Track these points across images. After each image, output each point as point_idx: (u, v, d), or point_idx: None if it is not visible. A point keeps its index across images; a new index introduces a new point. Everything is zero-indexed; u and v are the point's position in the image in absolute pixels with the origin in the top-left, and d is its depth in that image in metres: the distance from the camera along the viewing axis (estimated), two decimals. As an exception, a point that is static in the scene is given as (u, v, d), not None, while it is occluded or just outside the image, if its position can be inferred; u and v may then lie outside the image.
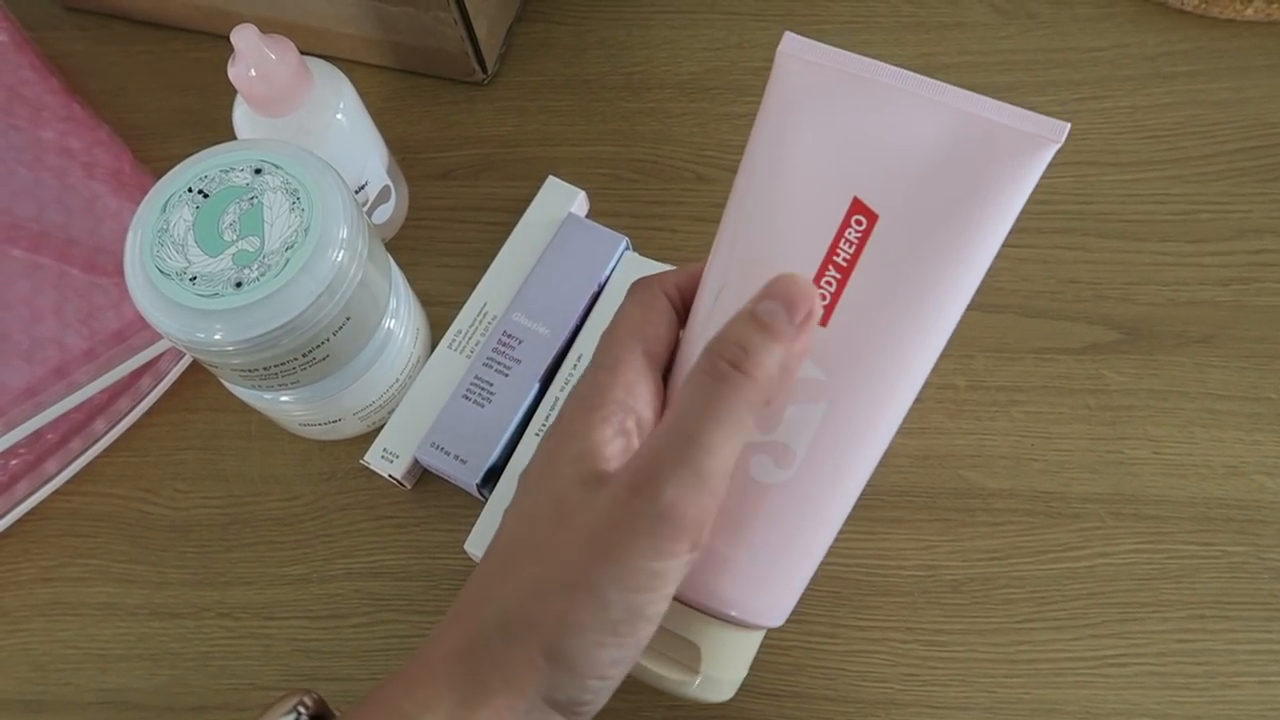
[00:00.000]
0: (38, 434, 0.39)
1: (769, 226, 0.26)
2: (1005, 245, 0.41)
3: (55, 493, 0.40)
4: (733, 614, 0.27)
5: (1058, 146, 0.24)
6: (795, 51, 0.26)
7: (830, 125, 0.26)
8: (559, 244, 0.40)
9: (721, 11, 0.47)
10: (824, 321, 0.26)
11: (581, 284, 0.39)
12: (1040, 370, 0.39)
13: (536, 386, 0.38)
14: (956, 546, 0.37)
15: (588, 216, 0.43)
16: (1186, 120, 0.43)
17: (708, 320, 0.27)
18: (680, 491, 0.23)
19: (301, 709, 0.26)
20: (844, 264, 0.26)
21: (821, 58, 0.26)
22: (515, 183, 0.44)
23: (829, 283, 0.26)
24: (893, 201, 0.25)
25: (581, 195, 0.42)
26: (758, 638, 0.29)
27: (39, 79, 0.44)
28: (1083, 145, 0.43)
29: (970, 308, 0.40)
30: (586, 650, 0.24)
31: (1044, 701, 0.35)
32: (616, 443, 0.25)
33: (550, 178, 0.42)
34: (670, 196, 0.44)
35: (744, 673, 0.29)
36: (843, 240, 0.25)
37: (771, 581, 0.28)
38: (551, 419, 0.34)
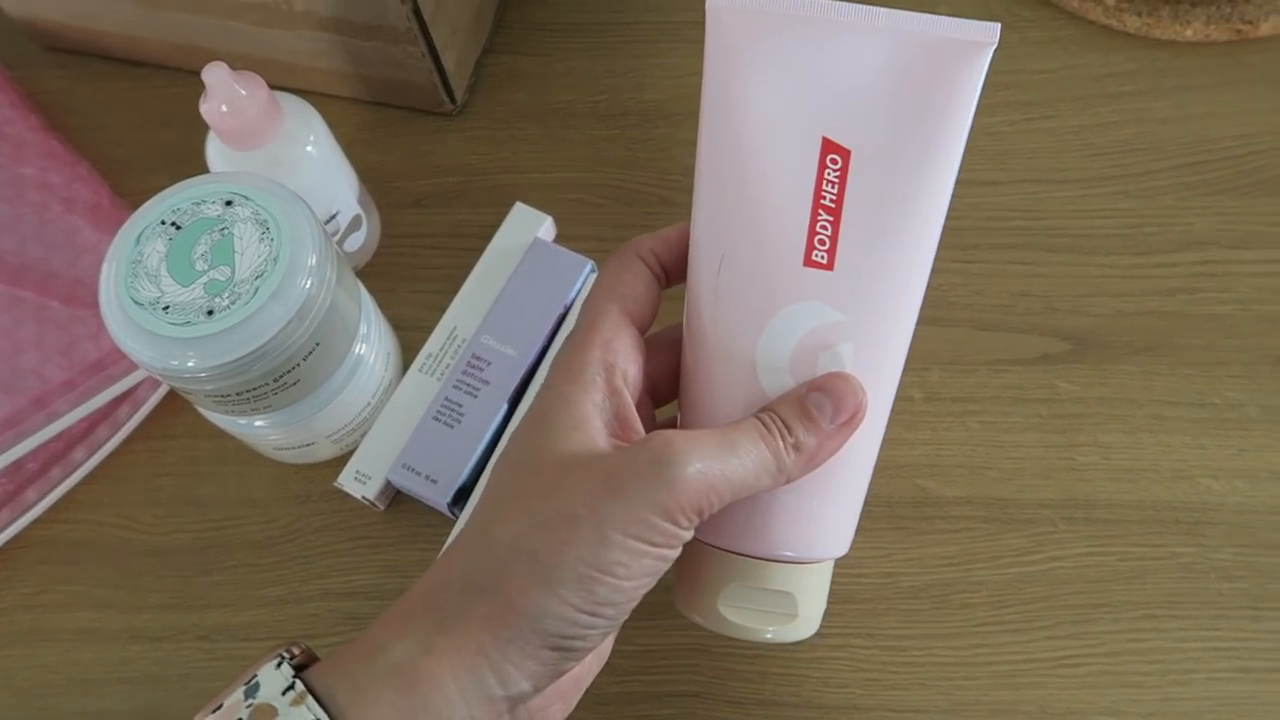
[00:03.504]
0: (18, 463, 0.40)
1: (748, 185, 0.27)
2: (958, 261, 0.43)
3: (35, 521, 0.41)
4: (809, 555, 0.30)
5: (993, 47, 0.25)
6: (726, 4, 0.26)
7: (779, 71, 0.26)
8: (526, 268, 0.41)
9: (684, 40, 0.49)
10: (830, 265, 0.27)
11: (548, 306, 0.41)
12: (994, 381, 0.41)
13: (505, 407, 0.39)
14: (914, 554, 0.38)
15: (555, 241, 0.44)
16: (1131, 138, 0.45)
17: (715, 293, 0.28)
18: (706, 473, 0.25)
19: (285, 654, 0.26)
20: (832, 205, 0.26)
21: (752, 4, 0.26)
22: (484, 209, 0.45)
23: (824, 226, 0.26)
24: (859, 133, 0.26)
25: (548, 220, 0.43)
26: (830, 567, 0.31)
27: (19, 117, 0.45)
28: (1032, 163, 0.45)
29: (925, 322, 0.41)
30: (581, 581, 0.24)
31: (1001, 702, 0.36)
32: (606, 406, 0.27)
33: (518, 204, 0.43)
34: (635, 220, 0.45)
35: (826, 602, 0.32)
36: (825, 182, 0.26)
37: (838, 517, 0.30)
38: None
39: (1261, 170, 0.44)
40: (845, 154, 0.26)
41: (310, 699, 0.24)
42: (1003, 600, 0.37)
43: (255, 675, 0.25)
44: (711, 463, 0.25)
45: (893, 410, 0.40)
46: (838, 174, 0.26)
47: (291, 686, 0.25)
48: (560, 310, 0.41)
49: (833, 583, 0.38)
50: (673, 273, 0.30)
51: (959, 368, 0.41)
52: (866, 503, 0.39)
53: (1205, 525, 0.38)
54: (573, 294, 0.41)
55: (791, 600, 0.30)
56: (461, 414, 0.39)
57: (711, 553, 0.30)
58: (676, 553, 0.26)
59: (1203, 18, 0.46)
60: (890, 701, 0.36)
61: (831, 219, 0.26)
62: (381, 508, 0.40)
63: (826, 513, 0.29)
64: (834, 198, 0.26)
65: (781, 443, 0.26)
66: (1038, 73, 0.47)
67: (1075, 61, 0.47)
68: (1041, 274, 0.42)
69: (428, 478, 0.38)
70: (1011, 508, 0.38)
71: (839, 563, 0.38)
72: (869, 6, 0.26)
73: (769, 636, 0.30)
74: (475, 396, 0.39)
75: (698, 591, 0.30)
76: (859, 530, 0.38)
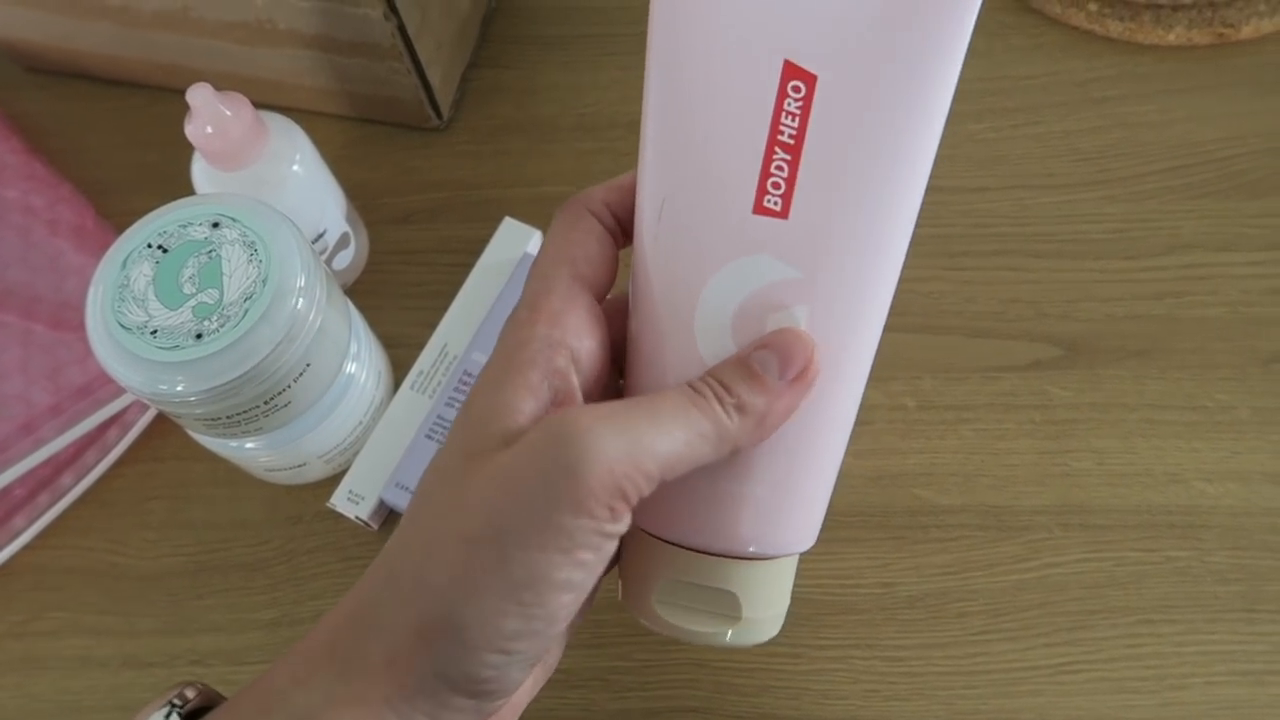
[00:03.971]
0: (5, 490, 0.39)
1: (696, 116, 0.23)
2: (947, 269, 0.43)
3: (24, 547, 0.41)
4: (756, 550, 0.25)
5: None
6: None
7: None
8: (516, 283, 0.41)
9: (668, 52, 0.49)
10: (784, 212, 0.22)
11: (539, 321, 0.40)
12: (986, 388, 0.41)
13: (498, 423, 0.39)
14: (911, 563, 0.38)
15: (544, 255, 0.44)
16: (1117, 142, 0.45)
17: (655, 243, 0.24)
18: (621, 452, 0.21)
19: (176, 701, 0.23)
20: (790, 142, 0.22)
21: None
22: (473, 225, 0.45)
23: (779, 167, 0.22)
24: (829, 54, 0.21)
25: (537, 235, 0.43)
26: (790, 566, 0.27)
27: (0, 139, 0.45)
28: (1019, 169, 0.45)
29: (916, 330, 0.42)
30: (483, 617, 0.21)
31: (1001, 711, 0.36)
32: (543, 388, 0.23)
33: (506, 219, 0.43)
34: (624, 233, 0.45)
35: (786, 603, 0.27)
36: (783, 115, 0.22)
37: (791, 508, 0.26)
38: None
39: (1246, 173, 0.44)
40: (810, 80, 0.21)
41: None
42: (1000, 608, 0.37)
43: None
44: (625, 438, 0.21)
45: (886, 420, 0.41)
46: (799, 104, 0.22)
47: None
48: (551, 325, 0.40)
49: (831, 594, 0.38)
50: (629, 226, 0.26)
51: (951, 376, 0.41)
52: (862, 513, 0.39)
53: (1200, 529, 0.38)
54: (563, 308, 0.41)
55: (734, 601, 0.25)
56: (454, 432, 0.39)
57: (649, 542, 0.26)
58: (603, 554, 0.22)
59: (1184, 22, 0.46)
60: (889, 712, 0.36)
61: (789, 158, 0.22)
62: (375, 527, 0.40)
63: (774, 503, 0.25)
64: (794, 133, 0.22)
65: (719, 406, 0.22)
66: (1022, 79, 0.47)
67: (1059, 67, 0.47)
68: (1031, 280, 0.43)
69: (421, 497, 0.38)
70: (1007, 515, 0.39)
71: (836, 573, 0.38)
72: None
73: (719, 640, 0.26)
74: (467, 414, 0.39)
75: (635, 585, 0.26)
76: (853, 542, 0.39)
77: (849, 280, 0.23)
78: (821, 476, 0.26)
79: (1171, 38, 0.46)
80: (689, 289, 0.24)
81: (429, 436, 0.39)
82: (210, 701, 0.25)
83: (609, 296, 0.26)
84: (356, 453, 0.39)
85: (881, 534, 0.39)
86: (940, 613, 0.37)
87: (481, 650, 0.21)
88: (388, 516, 0.40)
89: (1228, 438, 0.39)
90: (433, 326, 0.41)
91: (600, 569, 0.22)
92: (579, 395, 0.23)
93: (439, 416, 0.39)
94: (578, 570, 0.22)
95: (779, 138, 0.22)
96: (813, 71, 0.21)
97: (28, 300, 0.41)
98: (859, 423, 0.40)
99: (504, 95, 0.48)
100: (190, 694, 0.24)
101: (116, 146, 0.48)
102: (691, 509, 0.25)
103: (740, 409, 0.23)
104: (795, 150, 0.22)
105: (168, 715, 0.24)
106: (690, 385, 0.23)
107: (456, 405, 0.39)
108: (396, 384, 0.42)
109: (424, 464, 0.38)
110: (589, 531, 0.21)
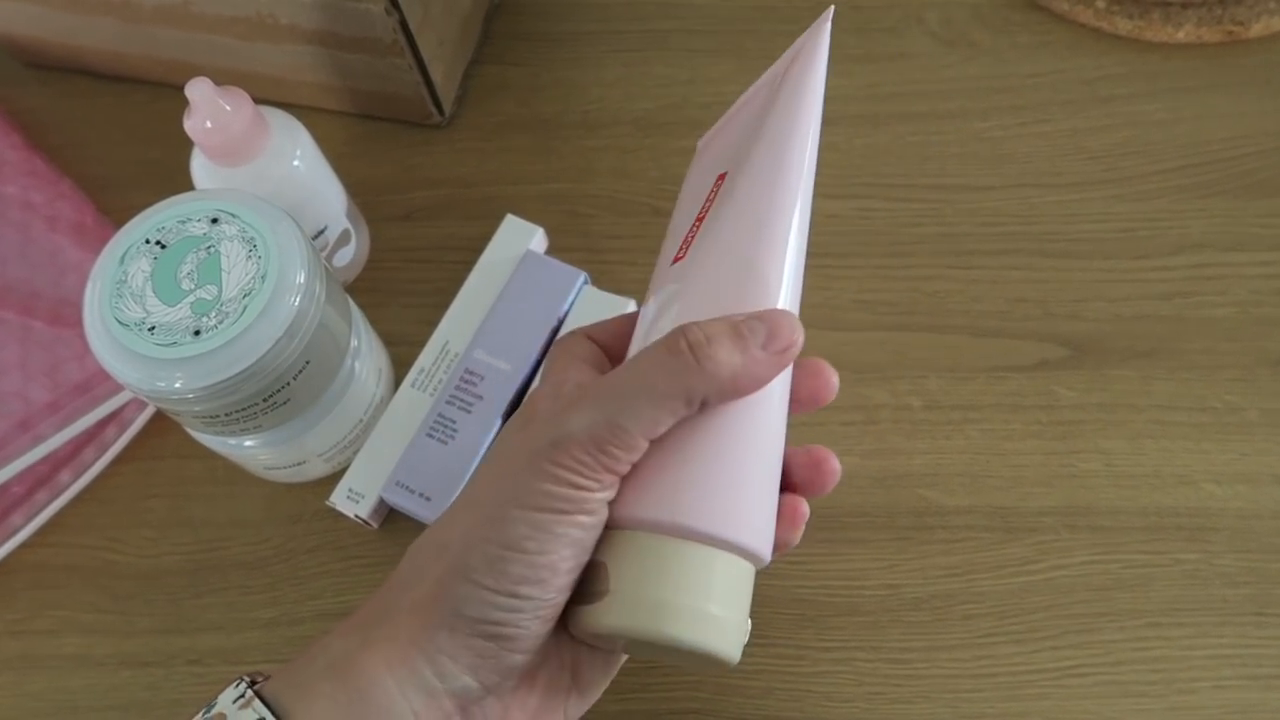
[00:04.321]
0: (3, 487, 0.39)
1: (683, 211, 0.31)
2: (954, 267, 0.42)
3: (21, 545, 0.40)
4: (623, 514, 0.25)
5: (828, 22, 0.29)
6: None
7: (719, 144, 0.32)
8: (518, 280, 0.41)
9: (673, 49, 0.48)
10: (684, 256, 0.29)
11: (542, 319, 0.40)
12: (992, 389, 0.40)
13: (499, 422, 0.38)
14: (917, 565, 0.38)
15: (546, 253, 0.43)
16: (1125, 141, 0.45)
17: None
18: (589, 429, 0.24)
19: (245, 678, 0.26)
20: (701, 215, 0.29)
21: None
22: (475, 222, 0.45)
23: (692, 232, 0.29)
24: (733, 157, 0.29)
25: (540, 232, 0.43)
26: (746, 572, 0.26)
27: (0, 135, 0.45)
28: (1026, 168, 0.44)
29: (922, 329, 0.41)
30: (489, 562, 0.24)
31: (1006, 714, 0.35)
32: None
33: (509, 216, 0.43)
34: (627, 230, 0.45)
35: (740, 613, 0.26)
36: (707, 201, 0.29)
37: (673, 476, 0.25)
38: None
39: (1255, 172, 0.43)
40: (722, 177, 0.29)
41: (256, 701, 0.25)
42: (1006, 611, 0.37)
43: (215, 698, 0.26)
44: (594, 403, 0.24)
45: (891, 420, 0.40)
46: (713, 192, 0.29)
47: (242, 695, 0.25)
48: (554, 323, 0.40)
49: (836, 595, 0.37)
50: (615, 357, 0.29)
51: (957, 375, 0.41)
52: (867, 513, 0.39)
53: (1208, 531, 0.38)
54: (566, 306, 0.41)
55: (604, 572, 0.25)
56: (455, 430, 0.38)
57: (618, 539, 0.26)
58: (596, 515, 0.25)
59: (1194, 20, 0.45)
60: (894, 715, 0.36)
61: (697, 225, 0.29)
62: (375, 526, 0.39)
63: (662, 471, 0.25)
64: (704, 209, 0.29)
65: (692, 355, 0.24)
66: (1029, 77, 0.46)
67: (1066, 65, 0.46)
68: (1038, 279, 0.42)
69: (422, 495, 0.37)
70: (1013, 516, 0.38)
71: (841, 574, 0.38)
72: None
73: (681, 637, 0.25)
74: (469, 412, 0.38)
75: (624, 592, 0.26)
76: (859, 543, 0.38)
77: (704, 276, 0.28)
78: (734, 458, 0.26)
79: (1180, 35, 0.46)
80: (644, 328, 0.29)
81: (429, 435, 0.38)
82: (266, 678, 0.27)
83: None
84: (356, 451, 0.39)
85: (887, 535, 0.38)
86: (946, 615, 0.37)
87: (492, 591, 0.24)
88: (388, 515, 0.40)
89: (1236, 439, 0.39)
90: (434, 324, 0.41)
91: (590, 535, 0.25)
92: None
93: (440, 415, 0.39)
94: (571, 529, 0.25)
95: (701, 216, 0.29)
96: (724, 170, 0.30)
97: (26, 296, 0.41)
98: (865, 422, 0.40)
99: (507, 92, 0.48)
100: (260, 676, 0.27)
101: (117, 142, 0.48)
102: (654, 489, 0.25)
103: (713, 360, 0.25)
104: (701, 220, 0.29)
105: (237, 684, 0.26)
106: (665, 340, 0.25)
107: (458, 403, 0.39)
108: (397, 382, 0.41)
109: (424, 462, 0.38)
110: (574, 493, 0.24)
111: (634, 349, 0.29)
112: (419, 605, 0.25)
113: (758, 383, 0.25)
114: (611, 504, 0.26)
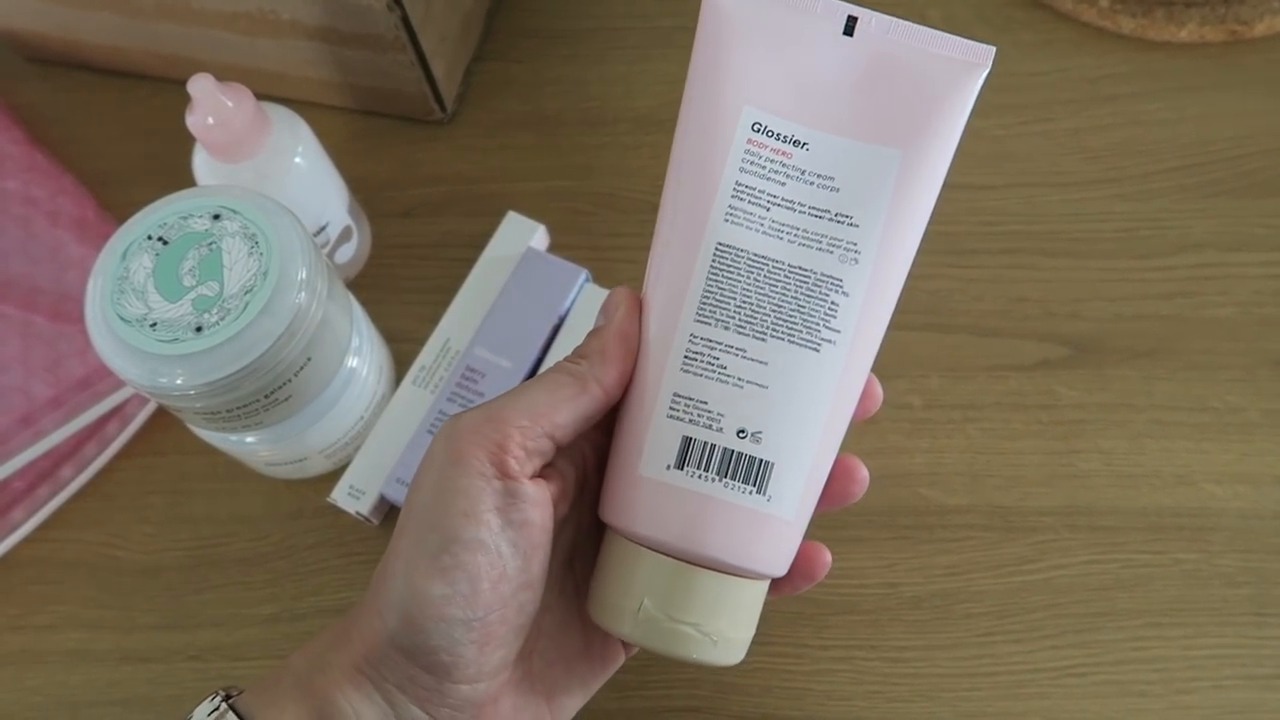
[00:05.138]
0: (4, 482, 0.39)
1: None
2: (955, 266, 0.42)
3: (23, 540, 0.40)
4: (733, 562, 0.26)
5: (985, 72, 0.26)
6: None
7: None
8: (520, 278, 0.41)
9: (673, 45, 0.48)
10: None
11: (543, 317, 0.40)
12: (993, 388, 0.40)
13: (500, 419, 0.38)
14: (916, 563, 0.38)
15: (548, 250, 0.43)
16: (1127, 140, 0.45)
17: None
18: (473, 418, 0.25)
19: (220, 692, 0.27)
20: None
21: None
22: (476, 219, 0.44)
23: None
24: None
25: (541, 229, 0.43)
26: (760, 593, 0.28)
27: (1, 129, 0.45)
28: (1028, 167, 0.44)
29: (923, 328, 0.41)
30: (413, 586, 0.24)
31: (1006, 713, 0.35)
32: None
33: (510, 213, 0.43)
34: (628, 228, 0.45)
35: (752, 631, 0.28)
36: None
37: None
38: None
39: (1258, 172, 0.43)
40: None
41: (230, 715, 0.26)
42: (1006, 610, 0.37)
43: (190, 715, 0.27)
44: (489, 408, 0.26)
45: (891, 419, 0.40)
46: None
47: (216, 709, 0.26)
48: (555, 321, 0.40)
49: (836, 594, 0.37)
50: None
51: (958, 374, 0.41)
52: (867, 512, 0.39)
53: (1208, 531, 0.38)
54: (567, 304, 0.41)
55: (708, 612, 0.26)
56: (456, 427, 0.38)
57: (627, 551, 0.27)
58: (512, 518, 0.25)
59: (1197, 19, 0.45)
60: (893, 714, 0.36)
61: None
62: (376, 523, 0.39)
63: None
64: None
65: (568, 361, 0.27)
66: (1032, 75, 0.46)
67: (1069, 64, 0.46)
68: (1039, 278, 0.42)
69: (422, 493, 0.37)
70: (1013, 516, 0.38)
71: (840, 573, 0.38)
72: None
73: (687, 653, 0.27)
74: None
75: (610, 594, 0.27)
76: (858, 541, 0.38)
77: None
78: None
79: (1184, 34, 0.46)
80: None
81: (430, 432, 0.38)
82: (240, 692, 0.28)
83: None
84: (357, 448, 0.39)
85: (887, 534, 0.38)
86: (945, 614, 0.37)
87: (420, 619, 0.24)
88: (388, 512, 0.40)
89: (1237, 439, 0.39)
90: (435, 321, 0.41)
91: (515, 536, 0.25)
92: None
93: (440, 412, 0.39)
94: (482, 529, 0.25)
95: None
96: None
97: (28, 292, 0.41)
98: (864, 421, 0.40)
99: (509, 89, 0.48)
100: (234, 691, 0.27)
101: (118, 138, 0.48)
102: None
103: (582, 354, 0.27)
104: None
105: (212, 698, 0.27)
106: (555, 369, 0.27)
107: (459, 401, 0.39)
108: (398, 379, 0.41)
109: (425, 460, 0.38)
110: (482, 489, 0.25)
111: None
112: (364, 635, 0.26)
113: (620, 346, 0.27)
114: (639, 521, 0.26)
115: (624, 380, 0.27)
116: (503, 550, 0.25)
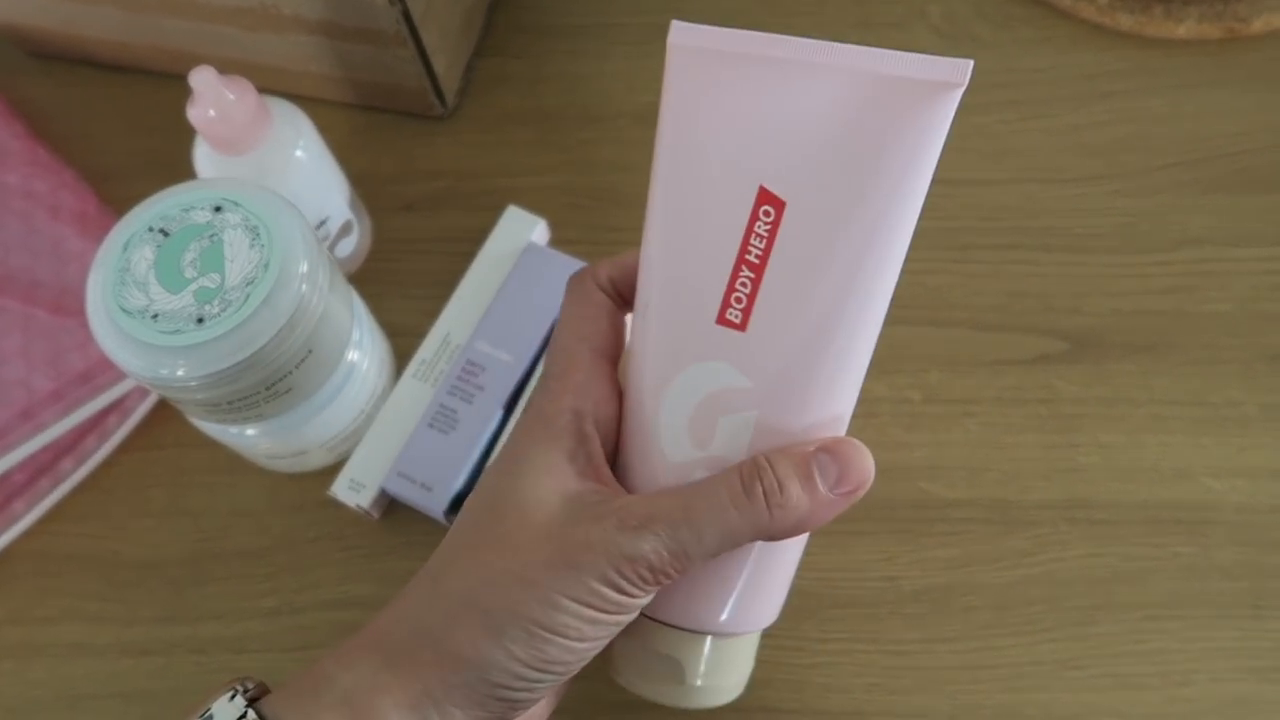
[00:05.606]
0: (5, 475, 0.39)
1: (681, 229, 0.25)
2: (954, 261, 0.42)
3: (23, 533, 0.40)
4: (727, 628, 0.28)
5: (961, 90, 0.22)
6: (687, 40, 0.25)
7: (726, 113, 0.24)
8: (520, 272, 0.41)
9: (675, 42, 0.48)
10: (743, 325, 0.25)
11: (542, 310, 0.40)
12: (993, 382, 0.40)
13: (500, 413, 0.39)
14: (916, 557, 0.38)
15: (548, 244, 0.43)
16: (1126, 136, 0.45)
17: (636, 338, 0.27)
18: (658, 551, 0.24)
19: (239, 687, 0.26)
20: (756, 261, 0.24)
21: (715, 42, 0.24)
22: (476, 213, 0.45)
23: (744, 283, 0.24)
24: (799, 183, 0.23)
25: (541, 224, 0.43)
26: (755, 637, 0.30)
27: (3, 124, 0.45)
28: (1027, 162, 0.44)
29: (923, 323, 0.41)
30: (531, 640, 0.24)
31: (1005, 706, 0.36)
32: (580, 454, 0.26)
33: (510, 207, 0.43)
34: (628, 222, 0.44)
35: (750, 668, 0.30)
36: (753, 236, 0.24)
37: (763, 593, 0.28)
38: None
39: (1256, 168, 0.44)
40: (780, 206, 0.24)
41: None
42: (1005, 603, 0.37)
43: (209, 708, 0.26)
44: (667, 536, 0.24)
45: (891, 413, 0.40)
46: (768, 227, 0.24)
47: (243, 716, 0.25)
48: (555, 314, 0.40)
49: (835, 587, 0.38)
50: (630, 299, 0.29)
51: (957, 369, 0.41)
52: (867, 506, 0.38)
53: (1206, 525, 0.38)
54: (567, 298, 0.41)
55: (680, 668, 0.28)
56: (456, 420, 0.38)
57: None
58: (632, 616, 0.26)
59: (1195, 16, 0.45)
60: (893, 706, 0.36)
61: (753, 276, 0.24)
62: (376, 516, 0.39)
63: (749, 590, 0.28)
64: (760, 253, 0.24)
65: (763, 502, 0.24)
66: (1031, 71, 0.46)
67: (1068, 60, 0.46)
68: (1038, 274, 0.42)
69: (423, 485, 0.38)
70: (1012, 509, 0.38)
71: (840, 566, 0.38)
72: (831, 44, 0.23)
73: (679, 703, 0.29)
74: (470, 403, 0.39)
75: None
76: (858, 534, 0.38)
77: (794, 391, 0.25)
78: (791, 567, 0.29)
79: (1182, 31, 0.46)
80: (655, 386, 0.26)
81: (430, 425, 0.38)
82: (263, 692, 0.27)
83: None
84: (358, 441, 0.39)
85: (886, 527, 0.38)
86: (945, 607, 0.37)
87: (526, 665, 0.25)
88: (389, 505, 0.40)
89: (1235, 434, 0.39)
90: (435, 315, 0.41)
91: (618, 630, 0.26)
92: (602, 457, 0.27)
93: (441, 405, 0.39)
94: (610, 626, 0.26)
95: (747, 256, 0.24)
96: (783, 198, 0.24)
97: (29, 285, 0.41)
98: (865, 415, 0.40)
99: (509, 84, 0.48)
100: (249, 684, 0.26)
101: (119, 132, 0.48)
102: (678, 592, 0.27)
103: (783, 508, 0.25)
104: (759, 269, 0.24)
105: (231, 697, 0.26)
106: (741, 478, 0.25)
107: (459, 394, 0.39)
108: (398, 373, 0.41)
109: (426, 452, 0.38)
110: (623, 603, 0.25)
111: (665, 431, 0.26)
112: (442, 661, 0.25)
113: (821, 523, 0.25)
114: (685, 617, 0.28)
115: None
116: (615, 633, 0.26)
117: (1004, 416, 0.40)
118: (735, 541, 0.25)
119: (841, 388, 0.26)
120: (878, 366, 0.41)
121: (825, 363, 0.25)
